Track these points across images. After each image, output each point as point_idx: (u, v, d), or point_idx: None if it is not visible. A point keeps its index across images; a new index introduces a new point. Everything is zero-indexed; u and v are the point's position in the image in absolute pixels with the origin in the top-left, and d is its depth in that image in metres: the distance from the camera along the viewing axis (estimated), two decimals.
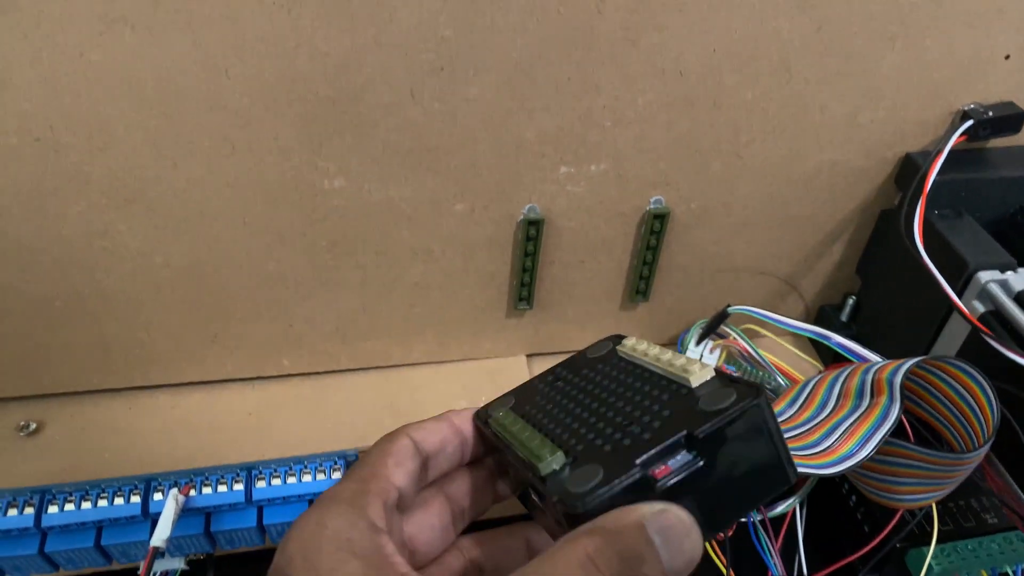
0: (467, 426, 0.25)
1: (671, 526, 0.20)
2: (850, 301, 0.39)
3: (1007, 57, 0.32)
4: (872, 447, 0.26)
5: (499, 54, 0.28)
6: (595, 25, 0.28)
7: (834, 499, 0.36)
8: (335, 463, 0.30)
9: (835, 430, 0.28)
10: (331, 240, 0.32)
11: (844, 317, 0.39)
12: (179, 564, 0.31)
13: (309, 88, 0.28)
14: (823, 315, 0.40)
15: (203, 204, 0.30)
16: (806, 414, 0.31)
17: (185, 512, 0.29)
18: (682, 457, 0.21)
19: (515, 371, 0.39)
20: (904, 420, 0.30)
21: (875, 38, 0.30)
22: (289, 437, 0.35)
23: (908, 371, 0.28)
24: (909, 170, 0.34)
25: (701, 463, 0.21)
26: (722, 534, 0.33)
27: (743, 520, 0.33)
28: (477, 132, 0.30)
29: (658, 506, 0.20)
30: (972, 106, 0.33)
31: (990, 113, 0.32)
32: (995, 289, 0.30)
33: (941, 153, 0.32)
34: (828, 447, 0.28)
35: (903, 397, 0.27)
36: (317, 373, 0.38)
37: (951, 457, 0.28)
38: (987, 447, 0.27)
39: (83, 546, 0.28)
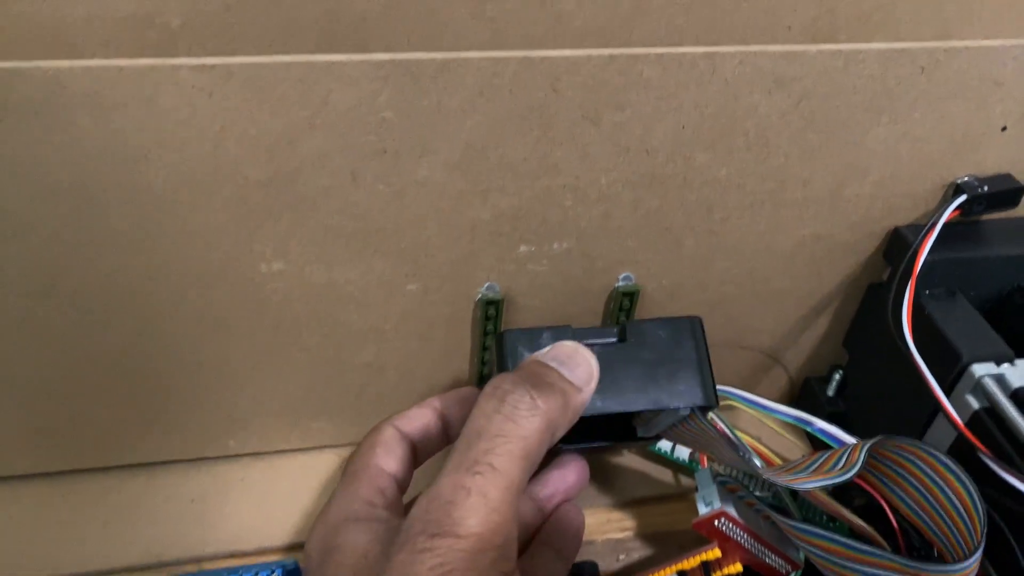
0: (449, 408, 0.28)
1: (561, 351, 0.25)
2: (836, 376, 0.36)
3: (1004, 129, 0.29)
4: (815, 486, 0.26)
5: (448, 135, 0.26)
6: (550, 104, 0.25)
7: None
8: (272, 573, 0.28)
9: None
10: (272, 323, 0.30)
11: (830, 392, 0.36)
12: None
13: (238, 172, 0.25)
14: (808, 388, 0.37)
15: (129, 292, 0.28)
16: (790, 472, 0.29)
17: None
18: (607, 337, 0.27)
19: None
20: (896, 528, 0.28)
21: (860, 112, 0.27)
22: (235, 527, 0.33)
23: (880, 442, 0.26)
24: (898, 245, 0.31)
25: (619, 343, 0.27)
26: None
27: None
28: (427, 214, 0.28)
29: (548, 345, 0.25)
30: (966, 179, 0.30)
31: (985, 188, 0.30)
32: (990, 384, 0.27)
33: (932, 232, 0.30)
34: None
35: (866, 460, 0.26)
36: (266, 453, 0.35)
37: (939, 569, 0.25)
38: (978, 556, 0.25)
39: None
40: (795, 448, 0.36)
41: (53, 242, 0.26)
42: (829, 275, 0.33)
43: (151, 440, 0.34)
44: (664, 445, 0.35)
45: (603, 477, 0.36)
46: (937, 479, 0.26)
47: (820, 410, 0.36)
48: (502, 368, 0.26)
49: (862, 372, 0.35)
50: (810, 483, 0.27)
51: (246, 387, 0.32)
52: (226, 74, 0.23)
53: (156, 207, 0.26)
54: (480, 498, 0.20)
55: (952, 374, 0.28)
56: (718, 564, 0.31)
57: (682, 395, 0.27)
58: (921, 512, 0.27)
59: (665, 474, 0.36)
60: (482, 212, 0.28)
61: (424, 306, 0.31)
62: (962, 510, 0.26)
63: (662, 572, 0.31)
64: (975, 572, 0.25)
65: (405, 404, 0.35)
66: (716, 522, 0.30)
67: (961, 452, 0.28)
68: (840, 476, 0.27)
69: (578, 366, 0.24)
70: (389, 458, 0.25)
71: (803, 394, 0.38)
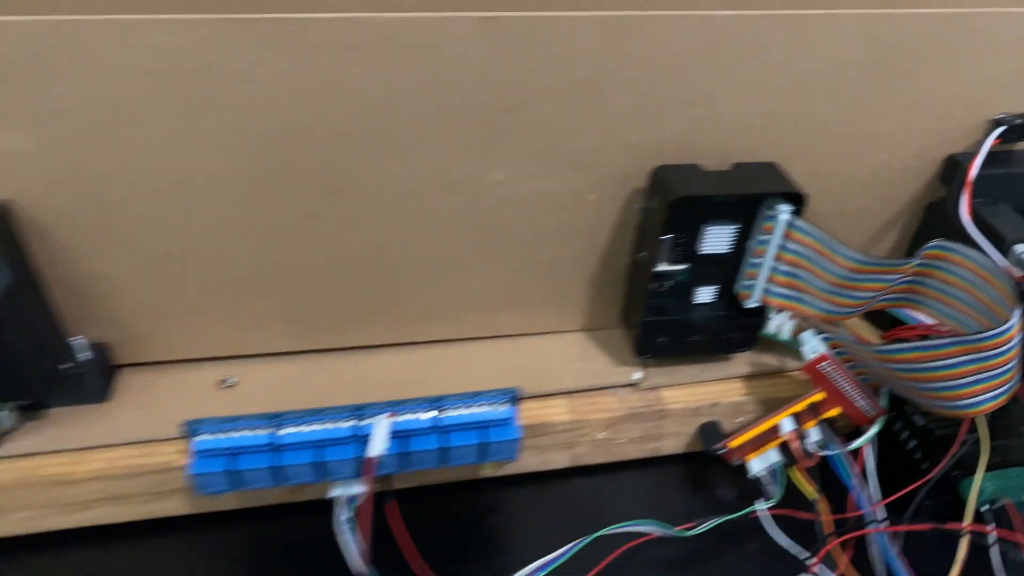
0: None
1: None
2: None
3: None
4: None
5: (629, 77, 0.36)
6: None
7: (891, 440, 0.43)
8: (503, 398, 0.37)
9: None
10: (487, 223, 0.40)
11: None
12: (359, 488, 0.38)
13: (490, 103, 0.35)
14: None
15: (392, 196, 0.38)
16: None
17: (348, 440, 0.36)
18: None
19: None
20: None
21: (927, 59, 0.38)
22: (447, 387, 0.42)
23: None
24: (952, 169, 0.41)
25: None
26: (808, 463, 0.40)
27: (828, 453, 0.40)
28: (609, 140, 0.38)
29: None
30: (1004, 115, 0.40)
31: (1019, 120, 0.40)
32: None
33: (979, 154, 0.40)
34: None
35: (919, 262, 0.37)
36: (459, 340, 0.45)
37: (993, 333, 0.33)
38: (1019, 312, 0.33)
39: (305, 461, 0.35)
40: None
41: (351, 148, 0.36)
42: (898, 195, 0.43)
43: (376, 325, 0.43)
44: (770, 328, 0.44)
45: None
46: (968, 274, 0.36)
47: None
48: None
49: None
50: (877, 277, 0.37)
51: (455, 278, 0.42)
52: (502, 27, 0.33)
53: (418, 126, 0.36)
54: None
55: (1000, 252, 0.38)
56: (822, 406, 0.41)
57: (778, 185, 0.37)
58: (960, 314, 0.36)
59: (771, 356, 0.46)
60: (652, 134, 0.38)
61: (599, 212, 0.41)
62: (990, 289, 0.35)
63: (781, 414, 0.41)
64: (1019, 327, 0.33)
65: (578, 291, 0.44)
66: (820, 366, 0.39)
67: None
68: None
69: None
70: None
71: None
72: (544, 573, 0.37)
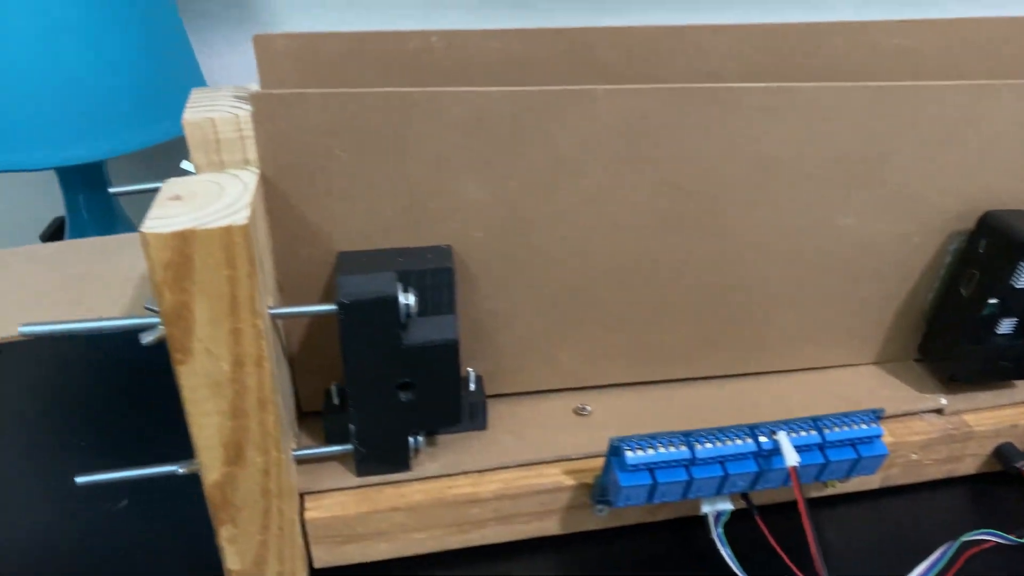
0: None
1: None
2: None
3: None
4: None
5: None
6: None
7: None
8: (871, 418, 0.42)
9: None
10: (823, 263, 0.45)
11: None
12: (728, 505, 0.42)
13: (854, 156, 0.41)
14: None
15: (757, 239, 0.43)
16: None
17: (749, 456, 0.40)
18: None
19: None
20: None
21: None
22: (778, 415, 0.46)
23: None
24: None
25: None
26: None
27: None
28: (944, 186, 0.44)
29: None
30: None
31: None
32: None
33: None
34: None
35: None
36: (768, 373, 0.50)
37: None
38: None
39: (715, 475, 0.39)
40: None
41: (733, 198, 0.41)
42: None
43: (705, 359, 0.48)
44: None
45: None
46: None
47: None
48: None
49: None
50: None
51: (781, 314, 0.47)
52: (886, 94, 0.39)
53: (797, 178, 0.41)
54: None
55: None
56: None
57: None
58: None
59: None
60: (977, 183, 0.44)
61: (918, 252, 0.46)
62: None
63: None
64: None
65: (878, 326, 0.49)
66: None
67: None
68: None
69: None
70: None
71: None
72: None
